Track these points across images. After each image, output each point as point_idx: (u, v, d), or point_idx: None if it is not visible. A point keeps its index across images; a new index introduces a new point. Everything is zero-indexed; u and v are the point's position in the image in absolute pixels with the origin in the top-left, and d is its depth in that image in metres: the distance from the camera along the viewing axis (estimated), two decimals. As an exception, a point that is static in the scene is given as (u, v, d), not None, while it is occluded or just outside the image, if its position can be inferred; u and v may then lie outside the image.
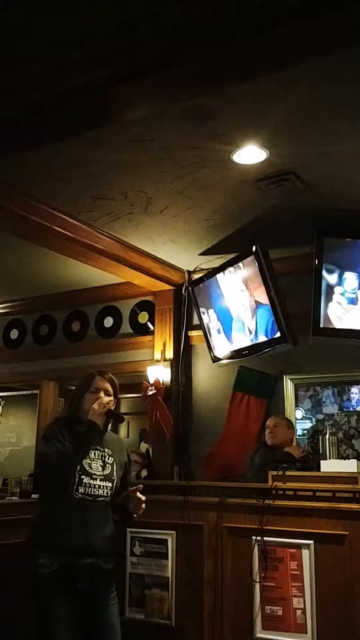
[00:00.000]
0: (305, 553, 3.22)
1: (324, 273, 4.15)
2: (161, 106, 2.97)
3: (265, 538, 3.32)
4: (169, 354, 5.39)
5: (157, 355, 5.44)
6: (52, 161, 3.52)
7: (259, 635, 3.26)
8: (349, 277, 4.17)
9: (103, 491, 2.80)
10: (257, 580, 3.31)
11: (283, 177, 3.72)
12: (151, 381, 5.27)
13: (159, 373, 5.31)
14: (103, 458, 2.86)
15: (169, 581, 3.57)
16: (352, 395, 4.82)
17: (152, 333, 5.60)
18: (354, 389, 4.82)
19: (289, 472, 3.54)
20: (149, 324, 5.69)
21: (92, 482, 2.78)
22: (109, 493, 2.81)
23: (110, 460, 2.88)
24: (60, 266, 5.31)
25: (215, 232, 4.58)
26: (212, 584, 3.46)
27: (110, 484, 2.82)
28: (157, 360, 5.42)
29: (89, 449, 2.80)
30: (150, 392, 5.23)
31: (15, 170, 3.61)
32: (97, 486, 2.78)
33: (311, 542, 3.21)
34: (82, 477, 2.75)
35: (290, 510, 3.31)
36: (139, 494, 2.83)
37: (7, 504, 3.61)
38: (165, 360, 5.39)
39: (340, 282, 4.17)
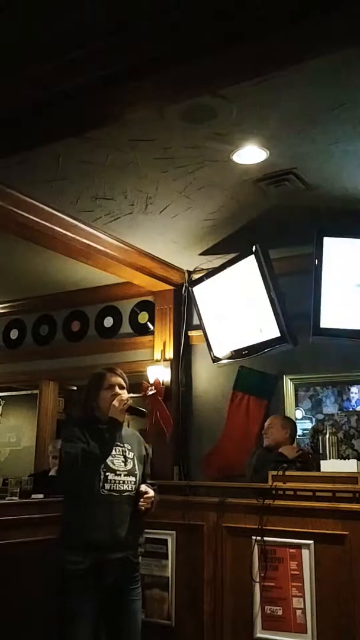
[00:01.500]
0: (305, 553, 3.22)
1: (324, 272, 4.15)
2: (161, 106, 2.97)
3: (265, 538, 3.32)
4: (169, 354, 5.39)
5: (157, 355, 5.44)
6: (52, 161, 3.52)
7: (259, 635, 3.26)
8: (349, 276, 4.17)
9: (128, 486, 2.86)
10: (257, 580, 3.31)
11: (283, 177, 3.72)
12: (151, 381, 5.27)
13: (159, 373, 5.30)
14: (124, 453, 2.93)
15: (169, 581, 3.58)
16: (352, 395, 4.82)
17: (152, 333, 5.60)
18: (354, 389, 4.82)
19: (289, 472, 3.54)
20: (149, 324, 5.69)
21: (116, 478, 2.84)
22: (134, 487, 2.88)
23: (131, 455, 2.94)
24: (60, 266, 5.30)
25: (215, 232, 4.58)
26: (212, 584, 3.47)
27: (134, 479, 2.89)
28: (157, 360, 5.42)
29: (113, 447, 2.84)
30: (150, 392, 5.23)
31: (15, 170, 3.61)
32: (121, 481, 2.84)
33: (311, 542, 3.21)
34: (107, 474, 2.81)
35: (290, 510, 3.32)
36: (143, 487, 2.88)
37: (7, 504, 3.61)
38: (165, 360, 5.39)
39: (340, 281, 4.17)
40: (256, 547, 3.34)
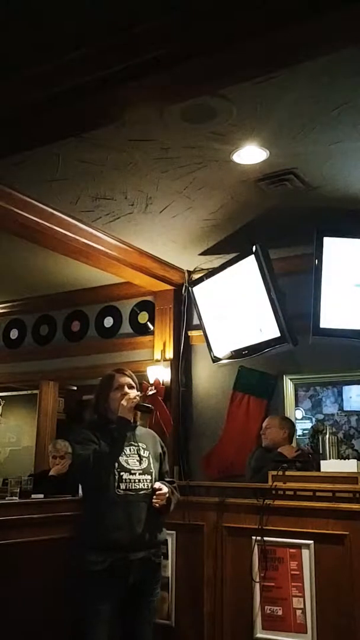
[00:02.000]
0: (305, 553, 3.22)
1: (324, 272, 4.15)
2: (161, 106, 2.97)
3: (265, 538, 3.32)
4: (169, 354, 5.39)
5: (157, 355, 5.44)
6: (52, 161, 3.52)
7: (259, 635, 3.26)
8: (349, 276, 4.17)
9: (144, 484, 2.88)
10: (257, 580, 3.31)
11: (283, 177, 3.72)
12: (151, 381, 5.27)
13: (159, 373, 5.31)
14: (139, 452, 2.95)
15: (169, 581, 3.57)
16: (351, 395, 4.82)
17: (152, 333, 5.60)
18: (354, 389, 4.82)
19: (289, 472, 3.54)
20: (149, 324, 5.69)
21: (131, 477, 2.85)
22: (150, 485, 2.90)
23: (146, 453, 2.96)
24: (60, 266, 5.31)
25: (215, 232, 4.58)
26: (212, 584, 3.46)
27: (149, 477, 2.91)
28: (157, 360, 5.42)
29: (124, 445, 2.86)
30: (150, 392, 5.23)
31: (15, 170, 3.61)
32: (136, 480, 2.86)
33: (311, 542, 3.21)
34: (122, 473, 2.83)
35: (290, 510, 3.31)
36: (157, 485, 2.90)
37: (7, 504, 3.61)
38: (165, 360, 5.39)
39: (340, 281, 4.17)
40: (256, 547, 3.34)
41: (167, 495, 2.91)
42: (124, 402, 2.88)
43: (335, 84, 2.82)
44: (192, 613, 3.48)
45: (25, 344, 6.57)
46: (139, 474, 2.89)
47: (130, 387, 3.01)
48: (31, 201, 4.03)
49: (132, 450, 2.93)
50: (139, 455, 2.94)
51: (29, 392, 6.75)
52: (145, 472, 2.92)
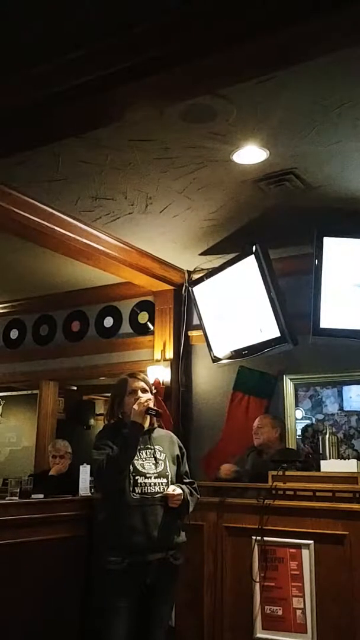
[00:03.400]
0: (305, 553, 3.22)
1: (324, 272, 4.15)
2: (161, 106, 2.97)
3: (265, 538, 3.32)
4: (169, 354, 5.39)
5: (157, 355, 5.44)
6: (52, 161, 3.52)
7: (259, 635, 3.26)
8: (349, 276, 4.17)
9: (159, 488, 2.90)
10: (257, 580, 3.31)
11: (283, 177, 3.72)
12: (151, 381, 5.26)
13: (159, 373, 5.30)
14: (155, 455, 2.97)
15: (169, 581, 3.57)
16: (351, 395, 4.81)
17: (152, 333, 5.60)
18: (354, 389, 4.81)
19: (289, 472, 3.54)
20: (149, 324, 5.69)
21: (146, 480, 2.87)
22: (165, 489, 2.90)
23: (162, 456, 2.98)
24: (60, 266, 5.30)
25: (215, 232, 4.58)
26: (212, 584, 3.47)
27: (165, 480, 2.93)
28: (157, 360, 5.42)
29: (136, 449, 2.89)
30: (150, 392, 5.23)
31: (15, 170, 3.61)
32: (152, 484, 2.88)
33: (311, 542, 3.21)
34: (137, 477, 2.86)
35: (290, 510, 3.32)
36: (171, 488, 2.91)
37: (7, 504, 3.61)
38: (165, 360, 5.39)
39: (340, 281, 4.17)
40: (256, 547, 3.34)
41: (182, 496, 2.91)
42: (135, 406, 2.92)
43: (335, 84, 2.82)
44: (192, 613, 3.48)
45: (25, 344, 6.57)
46: (155, 477, 2.91)
47: (144, 390, 3.06)
48: (31, 201, 4.02)
49: (148, 453, 2.95)
50: (155, 459, 2.95)
51: (29, 392, 6.75)
52: (160, 475, 2.93)
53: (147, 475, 2.89)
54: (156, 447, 2.99)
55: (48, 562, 3.38)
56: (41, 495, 3.89)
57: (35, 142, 3.22)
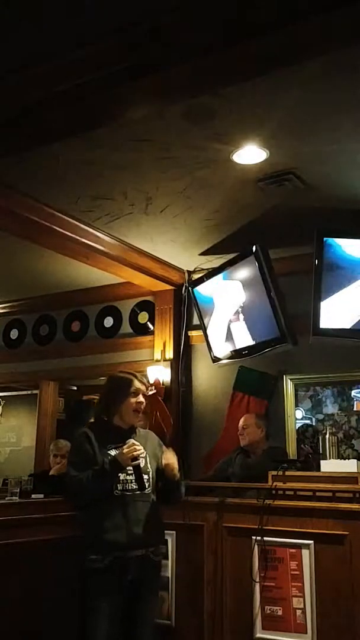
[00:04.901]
0: (305, 553, 3.22)
1: (324, 272, 4.15)
2: (161, 106, 2.97)
3: (265, 538, 3.31)
4: (169, 354, 5.39)
5: (157, 355, 5.44)
6: (52, 161, 3.52)
7: (259, 635, 3.26)
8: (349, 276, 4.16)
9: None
10: (257, 580, 3.31)
11: (283, 177, 3.72)
12: (151, 381, 5.27)
13: (159, 373, 5.30)
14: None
15: (169, 581, 3.57)
16: (352, 395, 4.81)
17: (152, 333, 5.60)
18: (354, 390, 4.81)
19: (289, 472, 3.54)
20: (149, 324, 5.69)
21: (128, 477, 2.89)
22: (147, 485, 2.91)
23: (144, 454, 2.97)
24: (60, 266, 5.30)
25: (215, 232, 4.58)
26: (212, 584, 3.46)
27: (146, 477, 2.93)
28: (157, 360, 5.42)
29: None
30: (150, 392, 5.22)
31: (15, 170, 3.61)
32: (133, 480, 2.88)
33: (311, 542, 3.21)
34: (119, 475, 2.86)
35: (290, 510, 3.31)
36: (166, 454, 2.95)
37: (7, 504, 3.61)
38: (165, 360, 5.39)
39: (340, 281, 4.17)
40: (256, 547, 3.34)
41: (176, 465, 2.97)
42: (125, 449, 2.85)
43: (335, 84, 2.82)
44: (192, 613, 3.48)
45: (25, 344, 6.57)
46: None
47: (144, 395, 3.09)
48: (31, 201, 4.02)
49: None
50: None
51: (29, 392, 6.75)
52: (142, 472, 2.93)
53: (129, 472, 2.89)
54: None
55: (48, 562, 3.38)
56: (41, 495, 3.89)
57: (35, 142, 3.22)
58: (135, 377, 3.11)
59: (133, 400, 3.01)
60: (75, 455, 2.98)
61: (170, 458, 2.98)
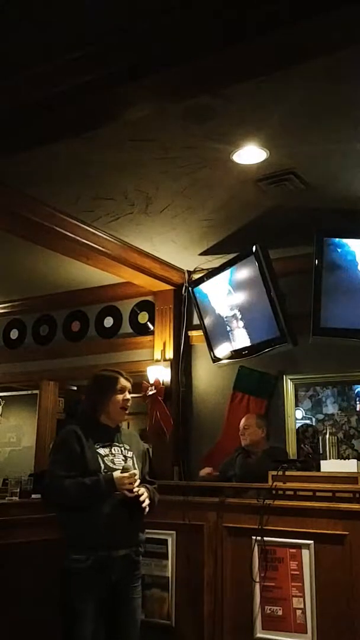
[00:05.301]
0: (305, 553, 3.22)
1: (324, 273, 4.15)
2: (161, 106, 2.97)
3: (265, 538, 3.32)
4: (169, 354, 5.39)
5: (157, 355, 5.44)
6: (52, 161, 3.52)
7: (259, 635, 3.26)
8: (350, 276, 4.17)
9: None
10: (257, 580, 3.31)
11: (283, 177, 3.72)
12: (151, 381, 5.27)
13: (159, 373, 5.30)
14: (124, 453, 2.95)
15: (169, 581, 3.58)
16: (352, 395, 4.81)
17: (152, 333, 5.60)
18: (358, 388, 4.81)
19: (289, 472, 3.54)
20: (149, 324, 5.69)
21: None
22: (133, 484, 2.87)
23: (130, 453, 2.97)
24: (60, 266, 5.30)
25: (215, 232, 4.58)
26: (212, 584, 3.46)
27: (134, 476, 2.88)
28: (157, 360, 5.42)
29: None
30: (150, 392, 5.23)
31: (15, 170, 3.61)
32: None
33: (311, 542, 3.21)
34: (107, 473, 2.82)
35: (290, 510, 3.31)
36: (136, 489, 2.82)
37: (7, 504, 3.61)
38: (165, 360, 5.39)
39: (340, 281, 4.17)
40: (256, 547, 3.34)
41: (150, 496, 2.87)
42: (118, 475, 2.79)
43: (335, 84, 2.82)
44: (192, 613, 3.48)
45: (25, 344, 6.57)
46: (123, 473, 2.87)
47: (130, 391, 3.06)
48: (31, 201, 4.02)
49: (117, 450, 2.93)
50: (124, 456, 2.94)
51: (29, 392, 6.74)
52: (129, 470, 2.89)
53: (117, 470, 2.85)
54: (124, 444, 2.98)
55: (48, 562, 3.38)
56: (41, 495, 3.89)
57: (35, 142, 3.22)
58: (121, 374, 3.08)
59: (120, 397, 2.99)
60: (60, 453, 2.87)
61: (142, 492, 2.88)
